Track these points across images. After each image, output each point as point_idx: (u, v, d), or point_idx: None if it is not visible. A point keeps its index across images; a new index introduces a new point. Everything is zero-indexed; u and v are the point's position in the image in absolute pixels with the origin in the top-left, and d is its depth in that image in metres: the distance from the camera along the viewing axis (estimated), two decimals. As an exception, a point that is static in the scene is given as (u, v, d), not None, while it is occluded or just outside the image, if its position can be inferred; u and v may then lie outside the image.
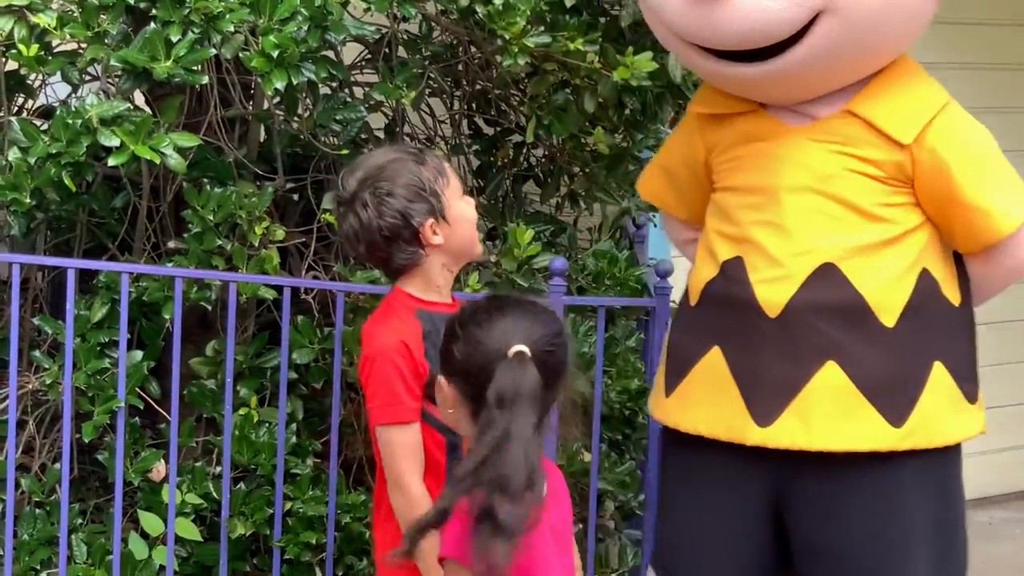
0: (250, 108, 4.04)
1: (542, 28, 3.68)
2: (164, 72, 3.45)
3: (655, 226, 4.81)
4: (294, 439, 3.92)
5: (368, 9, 3.65)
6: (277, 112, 3.95)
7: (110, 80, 3.76)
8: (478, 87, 4.27)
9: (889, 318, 3.21)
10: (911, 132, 3.19)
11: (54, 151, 3.50)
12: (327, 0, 3.52)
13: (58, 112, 3.60)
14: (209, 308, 3.93)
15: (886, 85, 3.26)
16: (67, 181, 3.52)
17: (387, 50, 4.08)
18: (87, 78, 3.92)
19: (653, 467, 4.00)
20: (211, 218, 3.80)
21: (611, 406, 4.13)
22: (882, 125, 3.20)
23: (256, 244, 3.86)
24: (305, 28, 3.51)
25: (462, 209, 3.13)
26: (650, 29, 3.75)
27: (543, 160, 4.34)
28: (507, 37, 3.63)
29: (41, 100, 4.14)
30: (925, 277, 3.25)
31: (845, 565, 3.28)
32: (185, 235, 3.85)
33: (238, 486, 3.89)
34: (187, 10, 3.45)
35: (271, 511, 3.83)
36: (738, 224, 3.30)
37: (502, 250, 3.99)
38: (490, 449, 2.65)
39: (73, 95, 3.97)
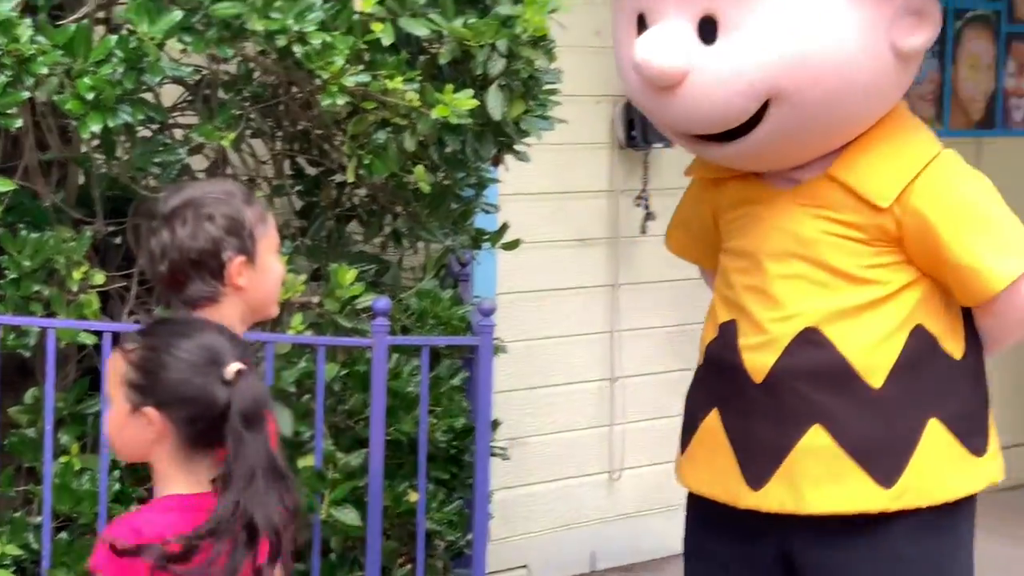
0: (67, 151, 3.96)
1: (361, 67, 3.66)
2: (-24, 116, 3.37)
3: (479, 264, 4.82)
4: (117, 486, 3.83)
5: (185, 50, 3.60)
6: (95, 155, 3.88)
7: (-79, 124, 3.67)
8: (299, 127, 4.24)
9: (876, 379, 3.21)
10: (889, 195, 3.19)
11: None
12: (143, 42, 3.47)
13: None
14: (28, 355, 3.84)
15: (867, 147, 3.26)
16: None
17: (207, 91, 4.04)
18: (-102, 122, 3.82)
19: (481, 505, 3.99)
20: (28, 264, 3.71)
21: (437, 445, 4.12)
22: (859, 189, 3.21)
23: (75, 289, 3.78)
24: (121, 70, 3.45)
25: (273, 263, 3.05)
26: (469, 66, 3.77)
27: (366, 199, 4.32)
28: (326, 77, 3.61)
29: None
30: (919, 334, 3.24)
31: None
32: (1, 281, 3.76)
33: (60, 536, 3.80)
34: (-1, 52, 3.38)
35: (94, 560, 3.74)
36: (733, 288, 3.35)
37: (325, 290, 3.96)
38: (249, 473, 2.61)
39: None
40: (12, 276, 3.75)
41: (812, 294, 3.23)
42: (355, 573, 3.99)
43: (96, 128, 3.48)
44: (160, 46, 3.57)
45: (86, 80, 3.44)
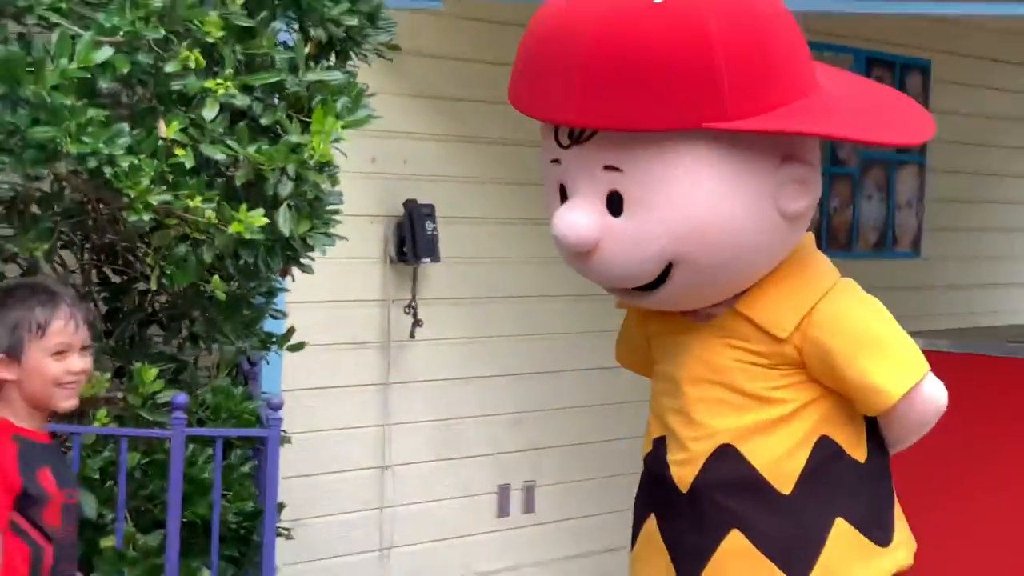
0: None
1: (164, 187, 3.64)
2: None
3: (267, 363, 4.83)
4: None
5: (3, 169, 3.57)
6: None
7: None
8: (107, 239, 4.20)
9: (785, 486, 3.18)
10: (787, 327, 3.18)
11: None
12: (-38, 160, 3.44)
13: None
14: None
15: (769, 285, 3.25)
16: None
17: (21, 206, 3.99)
18: None
19: (268, 581, 3.98)
20: None
21: (229, 527, 4.09)
22: (761, 323, 3.20)
23: None
24: (-60, 187, 3.41)
25: (44, 366, 3.12)
26: (262, 188, 3.78)
27: (166, 305, 4.30)
28: (133, 195, 3.58)
29: None
30: (824, 443, 3.21)
31: None
32: None
33: None
34: None
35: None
36: (661, 407, 3.34)
37: (128, 387, 3.94)
38: None
39: None
40: None
41: (726, 414, 3.22)
42: (151, 646, 3.95)
43: (-83, 239, 3.45)
44: (-21, 165, 3.56)
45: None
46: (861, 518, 3.26)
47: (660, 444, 3.34)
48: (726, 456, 3.23)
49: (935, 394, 3.27)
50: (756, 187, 3.18)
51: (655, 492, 3.35)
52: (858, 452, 3.28)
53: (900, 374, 3.21)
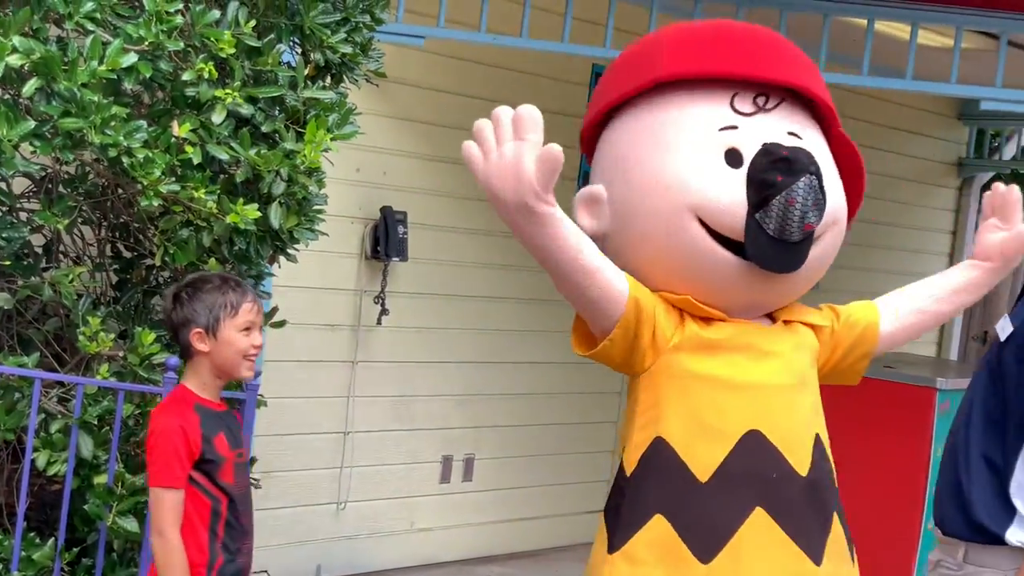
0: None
1: (174, 179, 3.61)
2: None
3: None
4: None
5: (35, 152, 3.50)
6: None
7: None
8: (121, 220, 4.13)
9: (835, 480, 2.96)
10: (827, 318, 3.06)
11: None
12: (1, 142, 3.37)
13: None
14: None
15: (794, 307, 3.04)
16: None
17: (49, 185, 3.92)
18: None
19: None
20: None
21: None
22: (811, 321, 3.06)
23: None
24: (-19, 163, 3.33)
25: (235, 339, 3.21)
26: (258, 186, 3.73)
27: (168, 280, 4.21)
28: (145, 183, 3.55)
29: None
30: (819, 438, 2.93)
31: None
32: None
33: None
34: None
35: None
36: (737, 405, 2.94)
37: (129, 347, 3.85)
38: None
39: None
40: None
41: (807, 403, 3.00)
42: (131, 569, 3.88)
43: (-43, 206, 3.36)
44: (16, 147, 3.49)
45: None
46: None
47: (752, 437, 2.89)
48: (819, 444, 2.94)
49: None
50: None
51: (759, 485, 2.87)
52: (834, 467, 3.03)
53: None
